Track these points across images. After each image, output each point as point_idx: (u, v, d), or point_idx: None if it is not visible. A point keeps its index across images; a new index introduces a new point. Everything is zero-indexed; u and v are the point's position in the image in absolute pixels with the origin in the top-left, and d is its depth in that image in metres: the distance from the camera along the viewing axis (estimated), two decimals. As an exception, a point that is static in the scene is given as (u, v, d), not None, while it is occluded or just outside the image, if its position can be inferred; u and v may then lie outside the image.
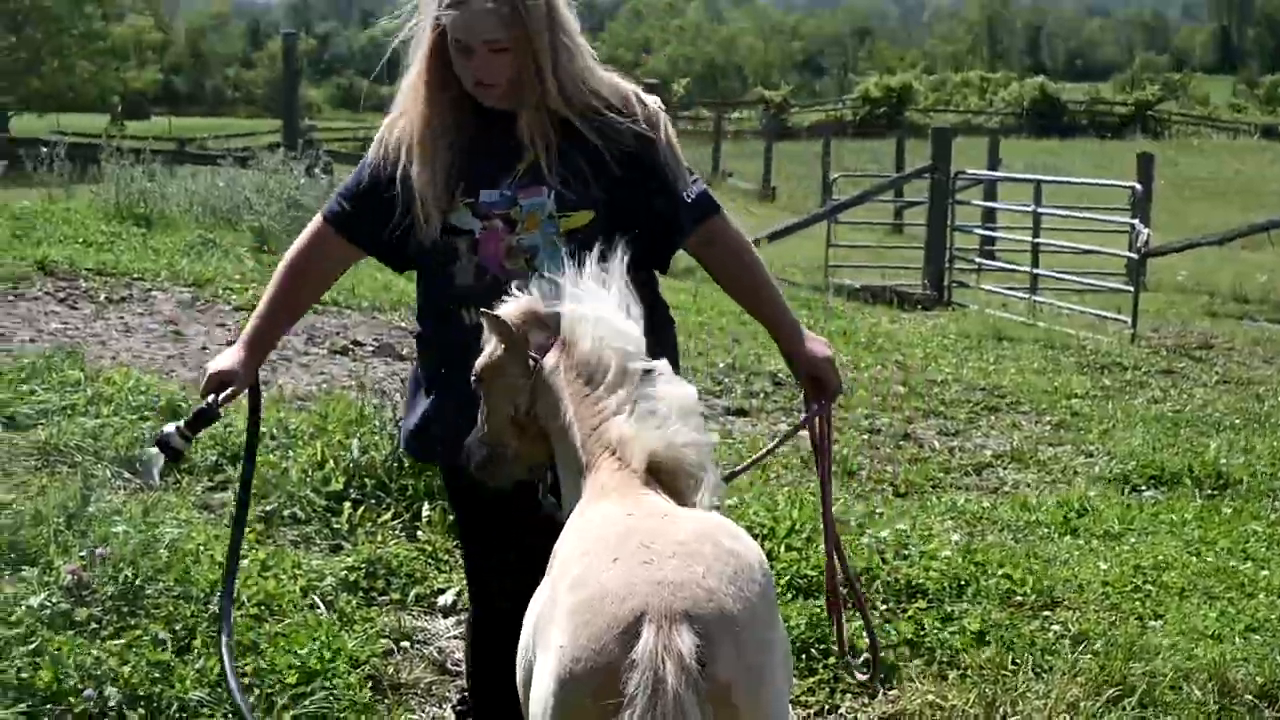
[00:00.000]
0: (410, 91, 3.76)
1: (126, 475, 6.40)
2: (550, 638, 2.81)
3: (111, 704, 4.47)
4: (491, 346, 3.49)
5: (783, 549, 6.08)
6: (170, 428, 3.69)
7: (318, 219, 3.93)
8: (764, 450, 4.86)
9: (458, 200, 3.72)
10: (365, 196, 3.84)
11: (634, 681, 2.62)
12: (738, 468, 4.48)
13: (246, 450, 4.22)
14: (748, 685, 2.73)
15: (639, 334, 3.35)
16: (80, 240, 12.54)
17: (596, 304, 3.34)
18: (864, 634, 4.76)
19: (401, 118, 3.79)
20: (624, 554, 2.82)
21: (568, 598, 2.82)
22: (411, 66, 3.77)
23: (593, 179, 3.73)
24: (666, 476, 3.15)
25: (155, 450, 3.67)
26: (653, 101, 3.88)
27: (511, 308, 3.44)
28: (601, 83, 3.75)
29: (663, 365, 3.34)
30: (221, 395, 3.73)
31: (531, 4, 3.59)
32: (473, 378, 3.54)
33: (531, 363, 3.41)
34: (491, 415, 3.54)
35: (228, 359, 3.81)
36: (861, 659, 4.61)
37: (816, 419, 4.05)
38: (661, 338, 3.67)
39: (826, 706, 5.18)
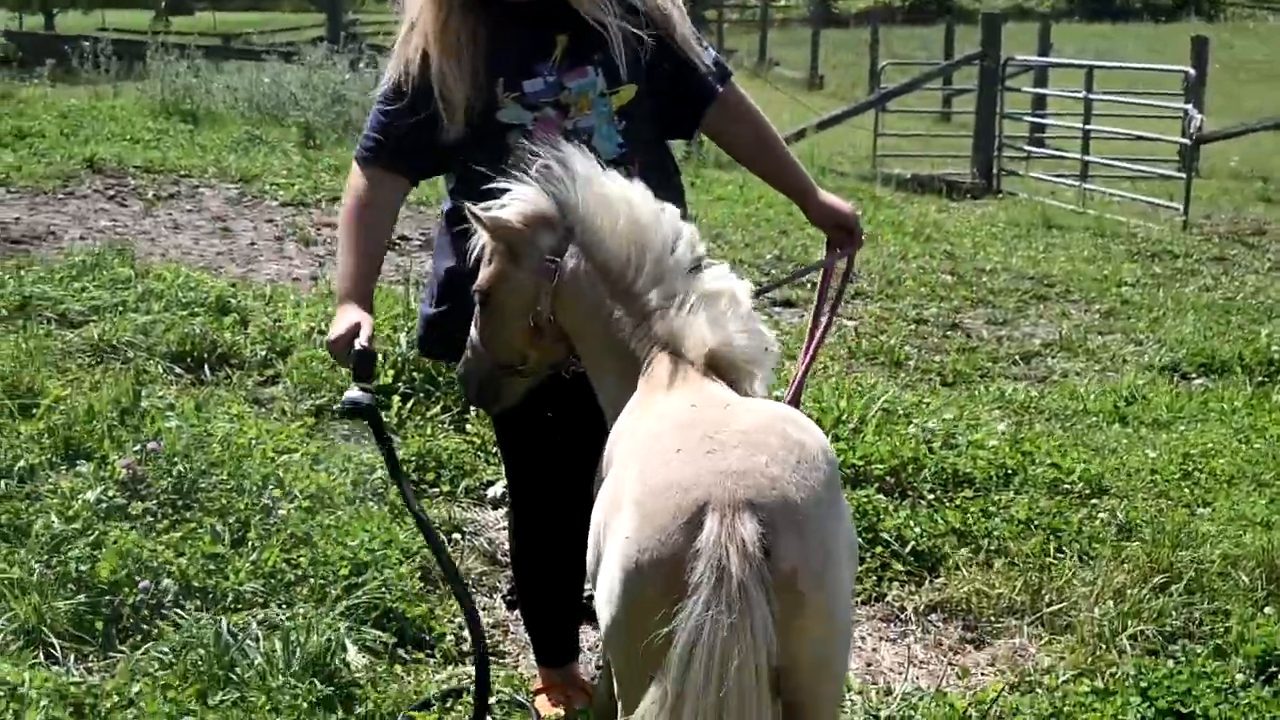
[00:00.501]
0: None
1: (180, 371, 6.46)
2: (617, 527, 2.84)
3: (168, 596, 4.54)
4: (495, 258, 3.40)
5: (830, 439, 6.09)
6: (351, 393, 3.55)
7: (357, 166, 3.81)
8: (786, 277, 4.89)
9: (502, 96, 3.66)
10: (397, 125, 3.74)
11: (698, 570, 2.64)
12: (765, 286, 4.47)
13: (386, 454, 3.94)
14: (812, 573, 2.74)
15: (673, 222, 3.32)
16: (128, 137, 12.56)
17: (612, 194, 3.30)
18: None
19: (413, 31, 3.70)
20: (687, 445, 2.84)
21: (633, 489, 2.84)
22: None
23: (625, 55, 3.70)
24: (724, 368, 3.16)
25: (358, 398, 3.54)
26: None
27: (512, 211, 3.35)
28: None
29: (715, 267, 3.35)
30: (364, 334, 3.58)
31: None
32: (476, 293, 3.45)
33: (549, 267, 3.34)
34: (502, 329, 3.46)
35: (344, 317, 3.65)
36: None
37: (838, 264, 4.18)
38: (670, 194, 3.61)
39: (874, 595, 5.22)
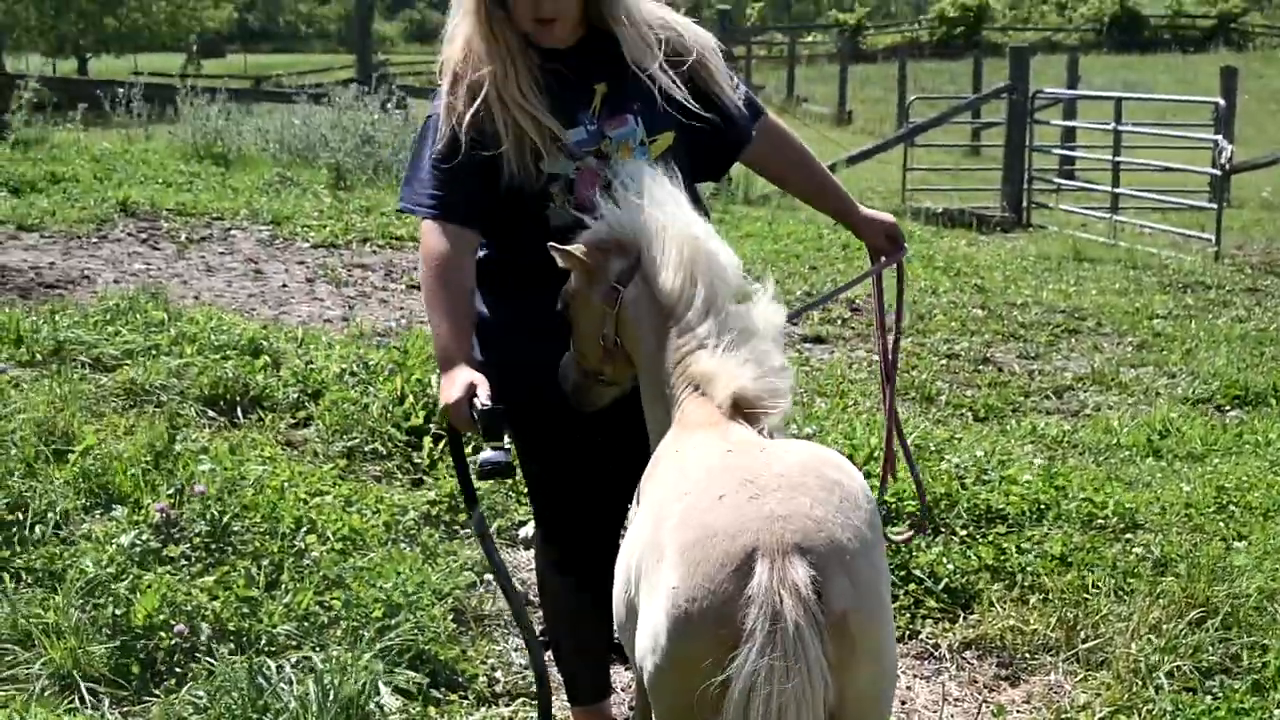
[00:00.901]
0: (472, 41, 3.68)
1: (213, 414, 6.49)
2: (659, 579, 2.82)
3: (202, 639, 4.56)
4: (574, 277, 3.50)
5: (863, 476, 6.09)
6: (486, 454, 3.52)
7: (431, 225, 3.74)
8: (833, 290, 4.94)
9: (549, 146, 3.66)
10: (462, 181, 3.71)
11: (751, 616, 2.64)
12: (805, 305, 4.51)
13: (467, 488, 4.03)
14: (865, 613, 2.75)
15: (728, 256, 3.38)
16: (160, 180, 12.65)
17: (679, 226, 3.35)
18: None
19: (459, 77, 3.71)
20: (728, 490, 2.84)
21: (675, 537, 2.83)
22: (457, 27, 3.72)
23: (663, 101, 3.73)
24: (747, 408, 3.17)
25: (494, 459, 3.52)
26: (690, 23, 3.92)
27: (589, 236, 3.45)
28: (650, 13, 3.74)
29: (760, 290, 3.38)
30: (482, 393, 3.54)
31: None
32: (559, 304, 3.56)
33: (613, 292, 3.42)
34: (581, 341, 3.57)
35: (456, 379, 3.60)
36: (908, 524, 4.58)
37: (888, 273, 4.29)
38: None
39: (908, 632, 5.20)
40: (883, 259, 4.21)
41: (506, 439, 3.56)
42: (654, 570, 2.85)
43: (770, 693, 2.60)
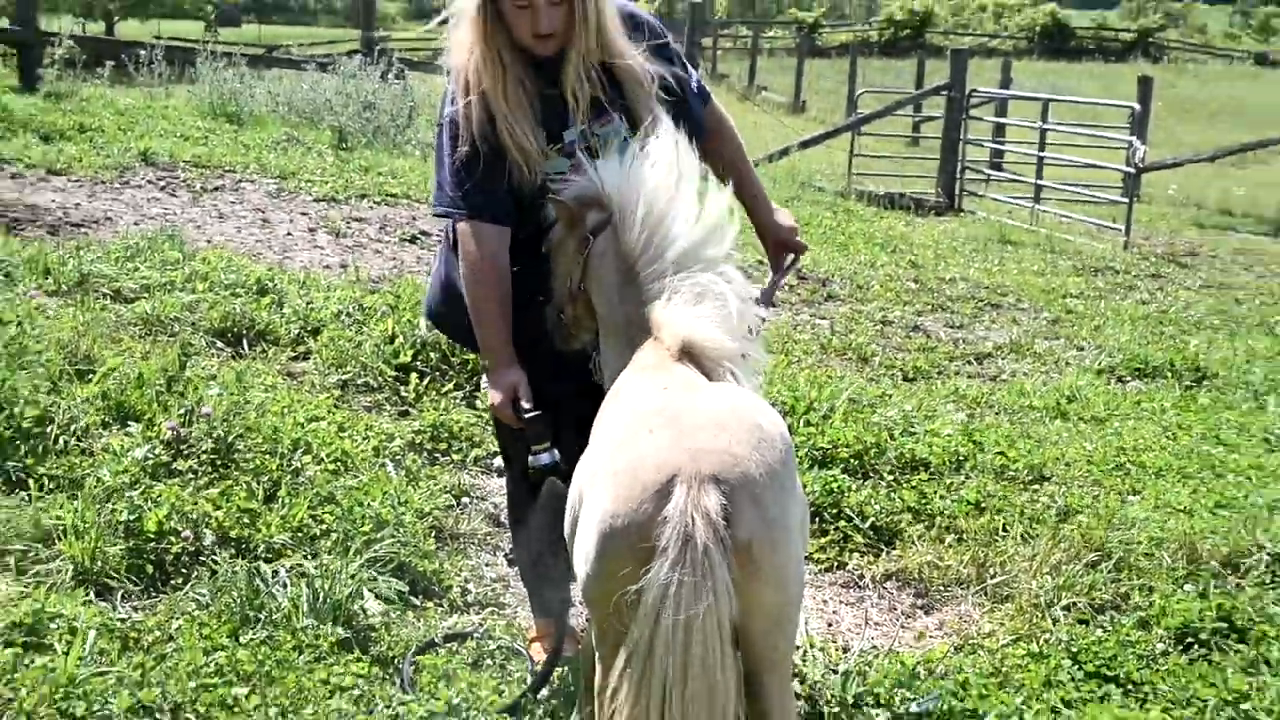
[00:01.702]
0: (476, 58, 3.65)
1: (222, 344, 6.49)
2: (595, 499, 2.86)
3: (206, 544, 4.58)
4: (559, 223, 3.56)
5: (801, 424, 6.13)
6: (538, 458, 3.56)
7: (467, 226, 3.71)
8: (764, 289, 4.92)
9: (548, 149, 3.69)
10: (488, 184, 3.69)
11: (665, 535, 2.67)
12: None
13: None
14: (768, 543, 2.77)
15: (700, 223, 3.38)
16: (178, 134, 12.56)
17: (649, 189, 3.36)
18: None
19: (463, 86, 3.68)
20: (658, 425, 2.88)
21: (609, 463, 2.88)
22: (461, 38, 3.68)
23: (639, 99, 3.74)
24: (698, 357, 3.19)
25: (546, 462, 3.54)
26: (649, 17, 3.92)
27: (575, 189, 3.49)
28: (617, 22, 3.71)
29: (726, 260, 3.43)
30: (523, 394, 3.60)
31: None
32: (543, 248, 3.64)
33: (586, 241, 3.47)
34: (557, 282, 3.63)
35: (501, 378, 3.66)
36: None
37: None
38: None
39: (836, 564, 5.27)
40: (790, 257, 4.22)
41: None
42: (592, 492, 2.90)
43: (679, 604, 2.64)
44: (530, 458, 3.58)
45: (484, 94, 3.64)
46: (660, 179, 3.39)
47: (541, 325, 3.77)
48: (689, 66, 3.99)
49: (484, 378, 3.79)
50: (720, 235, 3.42)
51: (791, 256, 4.22)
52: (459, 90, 3.69)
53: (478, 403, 6.22)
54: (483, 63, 3.63)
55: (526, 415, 3.56)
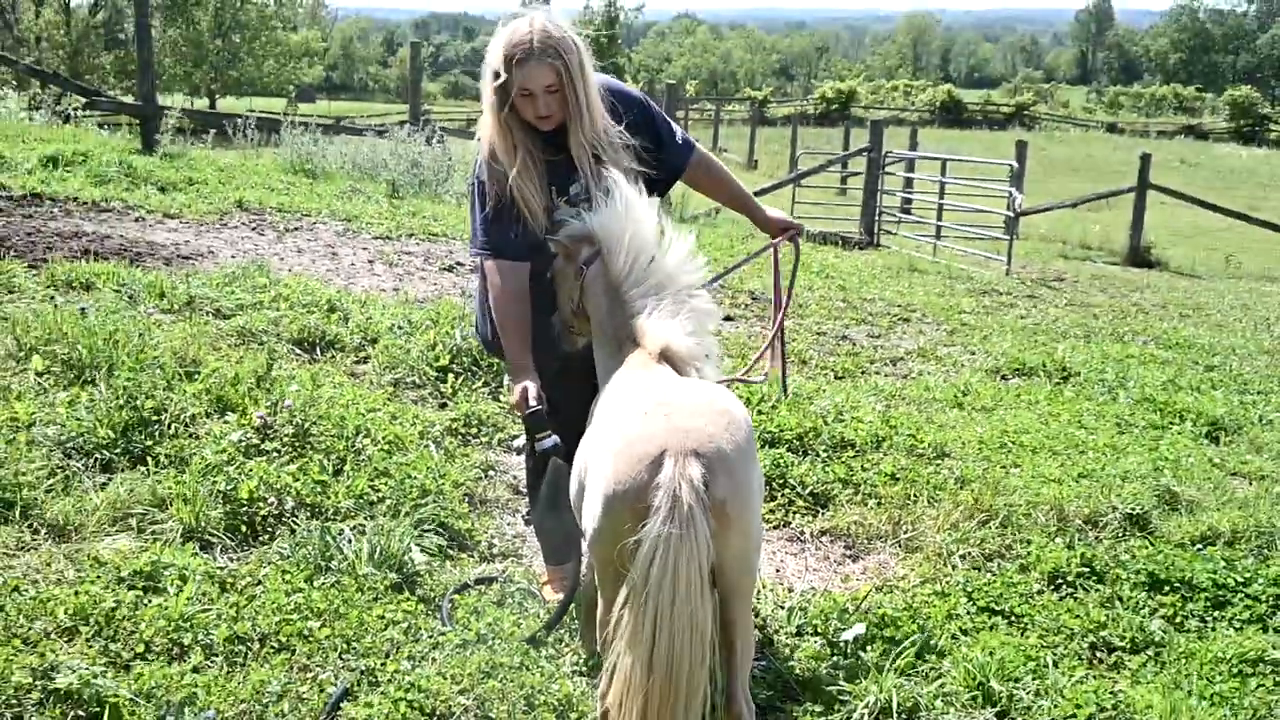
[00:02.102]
0: (493, 135, 3.67)
1: (299, 351, 6.46)
2: (600, 470, 2.89)
3: (287, 509, 4.56)
4: (558, 257, 3.58)
5: (755, 413, 6.11)
6: (544, 443, 3.54)
7: (493, 263, 3.74)
8: (744, 259, 4.98)
9: (557, 200, 3.72)
10: (510, 231, 3.71)
11: (658, 497, 2.70)
12: (719, 274, 4.51)
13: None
14: (737, 502, 2.81)
15: (668, 256, 3.41)
16: (266, 187, 12.49)
17: (628, 229, 3.38)
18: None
19: (489, 155, 3.70)
20: (649, 411, 2.90)
21: (611, 442, 2.89)
22: (486, 117, 3.70)
23: (621, 163, 3.74)
24: (673, 360, 3.22)
25: (549, 446, 3.54)
26: (633, 90, 3.94)
27: (570, 230, 3.51)
28: (600, 107, 3.71)
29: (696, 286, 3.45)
30: (532, 395, 3.58)
31: (571, 56, 3.57)
32: (548, 275, 3.66)
33: (581, 270, 3.49)
34: (560, 302, 3.66)
35: (520, 383, 3.63)
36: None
37: (788, 246, 4.23)
38: None
39: (783, 522, 5.26)
40: (778, 239, 4.23)
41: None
42: (596, 464, 2.93)
43: (668, 550, 2.67)
44: (535, 443, 3.59)
45: (499, 162, 3.68)
46: (638, 222, 3.40)
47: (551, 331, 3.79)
48: (672, 124, 3.99)
49: (506, 379, 3.80)
50: (691, 264, 3.45)
51: (791, 234, 4.26)
52: (486, 158, 3.72)
53: (500, 396, 6.20)
54: (499, 139, 3.67)
55: (529, 411, 3.56)
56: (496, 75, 3.58)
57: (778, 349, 4.35)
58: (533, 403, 3.56)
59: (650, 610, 2.68)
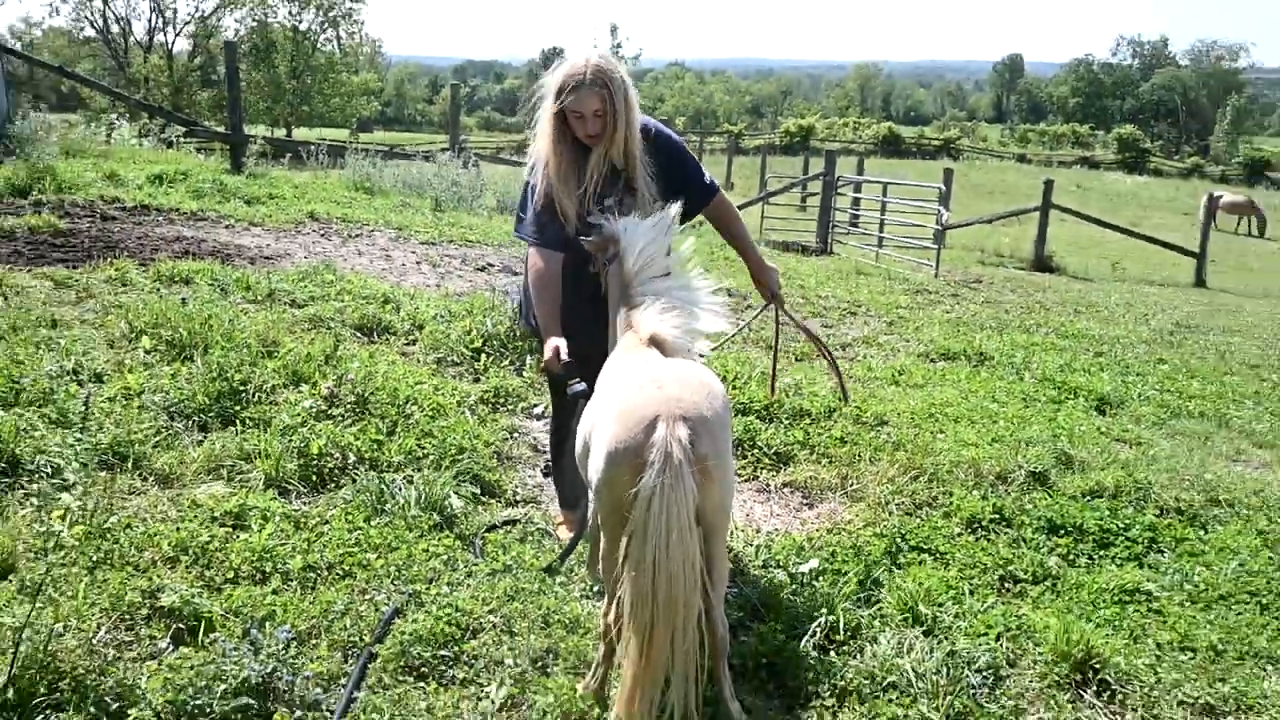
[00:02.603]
0: (546, 148, 3.67)
1: (360, 335, 6.44)
2: (603, 431, 2.89)
3: (350, 462, 4.56)
4: (594, 249, 3.59)
5: (730, 388, 6.11)
6: (575, 387, 3.47)
7: (534, 248, 3.72)
8: (741, 326, 5.00)
9: (592, 207, 3.70)
10: (552, 224, 3.71)
11: (652, 454, 2.70)
12: (721, 341, 4.53)
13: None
14: (715, 458, 2.82)
15: (670, 260, 3.46)
16: (333, 201, 12.45)
17: (644, 240, 3.42)
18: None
19: (543, 164, 3.70)
20: (643, 384, 2.91)
21: (611, 408, 2.89)
22: (541, 132, 3.69)
23: (655, 182, 3.75)
24: (661, 346, 3.24)
25: (579, 389, 3.54)
26: (675, 136, 3.94)
27: (598, 233, 3.54)
28: (638, 137, 3.72)
29: (691, 282, 3.48)
30: (563, 351, 3.54)
31: (616, 88, 3.58)
32: (591, 266, 3.67)
33: (606, 264, 3.53)
34: (604, 284, 3.65)
35: (550, 344, 3.57)
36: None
37: (776, 312, 4.32)
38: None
39: (752, 477, 5.26)
40: (769, 301, 4.25)
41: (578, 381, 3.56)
42: (600, 427, 2.93)
43: (664, 497, 2.68)
44: (568, 389, 3.55)
45: (549, 172, 3.68)
46: (651, 236, 3.43)
47: (585, 314, 3.73)
48: (703, 168, 3.99)
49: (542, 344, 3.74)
50: (696, 279, 3.51)
51: (767, 304, 4.22)
52: (540, 165, 3.73)
53: (524, 372, 6.19)
54: (551, 151, 3.67)
55: (564, 362, 3.55)
56: (557, 97, 3.58)
57: (832, 371, 4.39)
58: (565, 356, 3.56)
59: (650, 547, 2.69)
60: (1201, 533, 4.79)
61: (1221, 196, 32.32)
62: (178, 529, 3.77)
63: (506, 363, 6.33)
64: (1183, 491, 5.20)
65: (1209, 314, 13.13)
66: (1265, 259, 25.94)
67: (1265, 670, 3.67)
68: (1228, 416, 7.04)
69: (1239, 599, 4.14)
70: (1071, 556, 4.46)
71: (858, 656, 3.49)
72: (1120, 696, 3.43)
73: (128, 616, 3.28)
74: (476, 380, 6.06)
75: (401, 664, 3.26)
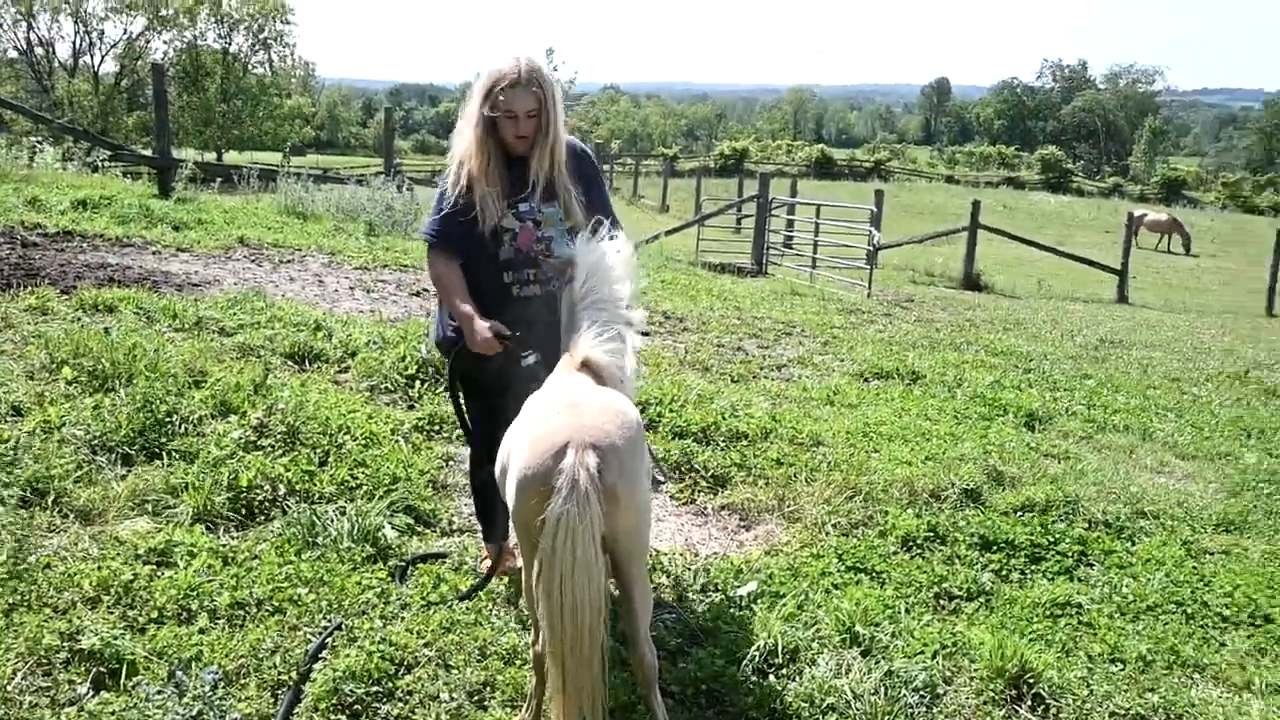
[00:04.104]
0: (469, 147, 3.64)
1: (291, 363, 6.32)
2: (517, 454, 2.88)
3: (280, 494, 4.45)
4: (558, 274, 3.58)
5: (667, 411, 6.11)
6: (526, 360, 3.45)
7: (432, 248, 3.70)
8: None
9: (507, 211, 3.67)
10: (457, 224, 3.67)
11: (560, 480, 2.70)
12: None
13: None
14: (625, 487, 2.81)
15: (621, 288, 3.43)
16: (264, 226, 12.23)
17: (597, 265, 3.43)
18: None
19: (463, 164, 3.66)
20: (559, 409, 2.93)
21: (526, 433, 2.89)
22: (464, 131, 3.66)
23: (574, 195, 3.71)
24: (594, 372, 3.23)
25: (533, 361, 3.48)
26: (586, 146, 3.90)
27: (556, 257, 3.58)
28: (564, 149, 3.72)
29: (633, 315, 3.47)
30: (492, 329, 3.51)
31: (549, 90, 3.57)
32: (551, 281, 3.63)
33: (564, 283, 3.50)
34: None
35: (478, 325, 3.53)
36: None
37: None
38: None
39: (689, 500, 5.24)
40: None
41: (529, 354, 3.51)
42: (516, 451, 2.91)
43: (569, 525, 2.66)
44: (521, 361, 3.48)
45: (470, 170, 3.64)
46: (603, 262, 3.43)
47: (504, 317, 3.63)
48: (607, 195, 3.95)
49: (465, 336, 3.63)
50: (631, 300, 3.49)
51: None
52: (454, 167, 3.69)
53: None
54: (477, 149, 3.63)
55: (508, 335, 3.49)
56: (486, 97, 3.55)
57: None
58: (504, 331, 3.50)
59: (556, 573, 2.67)
60: (1129, 545, 4.89)
61: (1145, 215, 33.36)
62: (99, 567, 3.64)
63: (442, 389, 6.24)
64: (1110, 504, 5.31)
65: (1131, 329, 13.49)
66: (1183, 275, 26.80)
67: (1193, 679, 3.74)
68: (1151, 429, 7.22)
69: (1166, 609, 4.23)
70: (1005, 572, 4.51)
71: (797, 679, 3.48)
72: (1054, 710, 3.47)
73: (45, 661, 3.15)
74: (411, 407, 5.97)
75: (333, 702, 3.17)
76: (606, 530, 2.73)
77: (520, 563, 4.11)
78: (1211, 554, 4.92)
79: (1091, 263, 20.49)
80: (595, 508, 2.68)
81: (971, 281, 19.08)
